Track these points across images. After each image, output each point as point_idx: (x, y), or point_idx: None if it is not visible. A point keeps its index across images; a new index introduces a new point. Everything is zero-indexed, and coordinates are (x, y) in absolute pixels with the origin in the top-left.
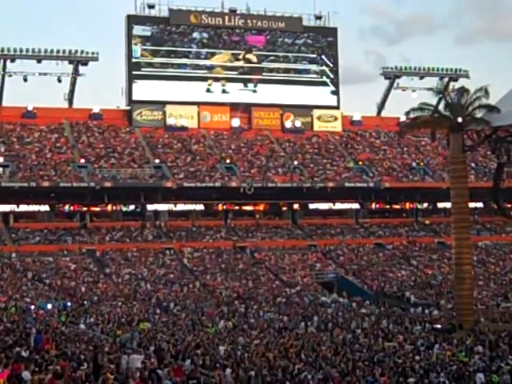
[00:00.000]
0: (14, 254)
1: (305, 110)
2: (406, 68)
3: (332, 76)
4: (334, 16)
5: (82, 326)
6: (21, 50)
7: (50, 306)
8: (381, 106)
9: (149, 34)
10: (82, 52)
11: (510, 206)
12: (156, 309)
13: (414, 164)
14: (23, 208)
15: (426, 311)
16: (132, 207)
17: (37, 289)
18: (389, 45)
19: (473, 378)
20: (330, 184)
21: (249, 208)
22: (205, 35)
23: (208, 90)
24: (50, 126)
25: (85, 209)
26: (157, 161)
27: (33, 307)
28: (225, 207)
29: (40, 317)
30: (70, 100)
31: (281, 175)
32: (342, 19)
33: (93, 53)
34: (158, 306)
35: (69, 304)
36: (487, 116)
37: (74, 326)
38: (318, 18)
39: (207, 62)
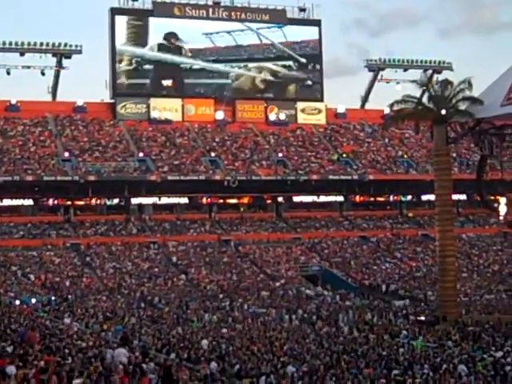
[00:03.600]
0: None
1: (289, 102)
2: (389, 60)
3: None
4: (317, 9)
5: (67, 321)
6: (3, 43)
7: (34, 301)
8: (365, 99)
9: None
10: (66, 45)
11: (493, 198)
12: (140, 303)
13: (400, 153)
14: (7, 202)
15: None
16: (116, 201)
17: (21, 283)
18: (372, 37)
19: (456, 370)
20: (314, 177)
21: (233, 201)
22: None
23: None
24: (33, 119)
25: (69, 203)
26: (141, 154)
27: (17, 302)
28: (209, 200)
29: (24, 311)
30: (54, 93)
31: (265, 168)
32: (325, 12)
33: (76, 46)
34: (142, 300)
35: (53, 298)
36: (470, 108)
37: (59, 320)
38: (302, 10)
39: None
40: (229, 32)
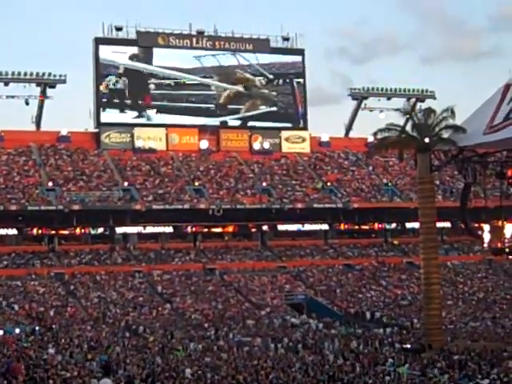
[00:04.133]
0: None
1: (273, 131)
2: (373, 89)
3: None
4: (301, 38)
5: (51, 351)
6: None
7: (17, 331)
8: (349, 127)
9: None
10: (50, 74)
11: (477, 225)
12: (125, 332)
13: (384, 181)
14: None
15: (396, 331)
16: (101, 230)
17: (4, 313)
18: (355, 65)
19: None
20: (299, 205)
21: (218, 230)
22: None
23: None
24: (17, 148)
25: (53, 232)
26: (125, 183)
27: (1, 332)
28: (194, 229)
29: (8, 341)
30: (38, 123)
31: (250, 197)
32: (308, 41)
33: (60, 75)
34: (127, 329)
35: (37, 328)
36: (454, 136)
37: (43, 350)
38: (286, 39)
39: None
40: (214, 55)
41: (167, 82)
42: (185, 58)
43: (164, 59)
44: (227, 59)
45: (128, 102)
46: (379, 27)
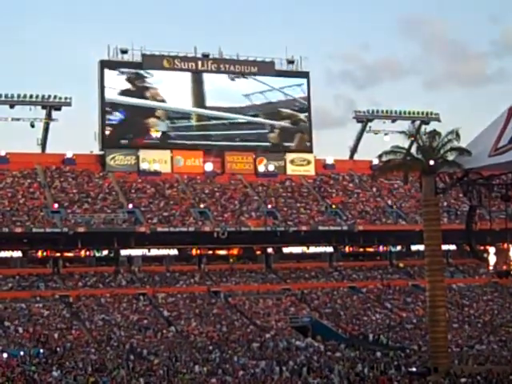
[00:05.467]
0: None
1: (278, 154)
2: (377, 111)
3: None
4: (305, 61)
5: (55, 374)
6: None
7: (22, 353)
8: (353, 150)
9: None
10: (55, 97)
11: (482, 248)
12: (130, 355)
13: (389, 203)
14: None
15: (402, 354)
16: (105, 252)
17: (9, 336)
18: (358, 89)
19: None
20: (304, 228)
21: (223, 252)
22: None
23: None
24: (22, 171)
25: (58, 254)
26: (130, 206)
27: (5, 355)
28: (198, 252)
29: (12, 364)
30: (43, 145)
31: (254, 219)
32: (312, 64)
33: (66, 98)
34: (131, 352)
35: (41, 351)
36: (459, 159)
37: (47, 373)
38: (290, 62)
39: None
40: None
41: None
42: (234, 96)
43: (216, 100)
44: (274, 95)
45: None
46: (382, 52)
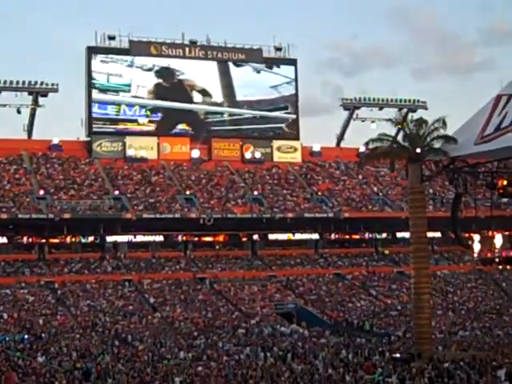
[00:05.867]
0: None
1: (264, 141)
2: (365, 99)
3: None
4: (293, 48)
5: (40, 359)
6: None
7: (7, 339)
8: (340, 137)
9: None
10: (42, 83)
11: (467, 235)
12: (115, 341)
13: (375, 191)
14: None
15: (385, 341)
16: (91, 239)
17: None
18: (346, 78)
19: None
20: (290, 215)
21: (208, 239)
22: None
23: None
24: (8, 157)
25: (43, 240)
26: (116, 192)
27: None
28: (184, 238)
29: None
30: (30, 131)
31: (240, 206)
32: (300, 52)
33: (53, 84)
34: (116, 338)
35: (26, 337)
36: (445, 147)
37: (32, 359)
38: (278, 49)
39: None
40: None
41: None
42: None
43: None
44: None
45: None
46: (371, 40)
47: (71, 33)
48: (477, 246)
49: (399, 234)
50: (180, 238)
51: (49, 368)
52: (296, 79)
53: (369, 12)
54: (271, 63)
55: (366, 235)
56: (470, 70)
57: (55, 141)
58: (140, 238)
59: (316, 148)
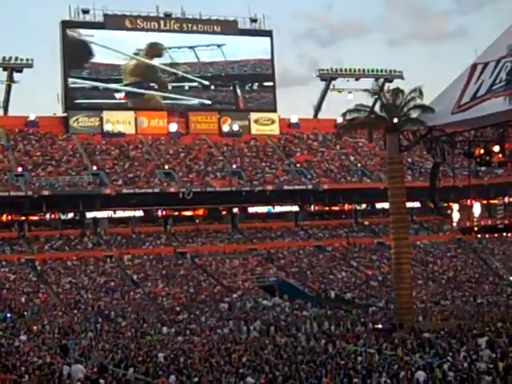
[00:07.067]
0: None
1: (242, 113)
2: (341, 70)
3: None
4: (268, 20)
5: (23, 338)
6: None
7: None
8: (317, 108)
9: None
10: (17, 59)
11: (446, 204)
12: (97, 318)
13: (353, 162)
14: None
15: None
16: (71, 215)
17: None
18: (322, 48)
19: (414, 377)
20: (269, 187)
21: (188, 213)
22: None
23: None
24: None
25: (23, 218)
26: (94, 168)
27: None
28: (164, 213)
29: None
30: (6, 108)
31: (220, 179)
32: (275, 24)
33: (27, 59)
34: (99, 314)
35: (8, 315)
36: (422, 116)
37: (14, 337)
38: (254, 20)
39: None
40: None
41: None
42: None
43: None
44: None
45: None
46: (345, 11)
47: (45, 7)
48: (456, 215)
49: (378, 205)
50: (160, 212)
51: (32, 346)
52: (272, 51)
53: None
54: (246, 34)
55: (346, 206)
56: (444, 39)
57: (32, 117)
58: (120, 214)
59: (294, 120)
